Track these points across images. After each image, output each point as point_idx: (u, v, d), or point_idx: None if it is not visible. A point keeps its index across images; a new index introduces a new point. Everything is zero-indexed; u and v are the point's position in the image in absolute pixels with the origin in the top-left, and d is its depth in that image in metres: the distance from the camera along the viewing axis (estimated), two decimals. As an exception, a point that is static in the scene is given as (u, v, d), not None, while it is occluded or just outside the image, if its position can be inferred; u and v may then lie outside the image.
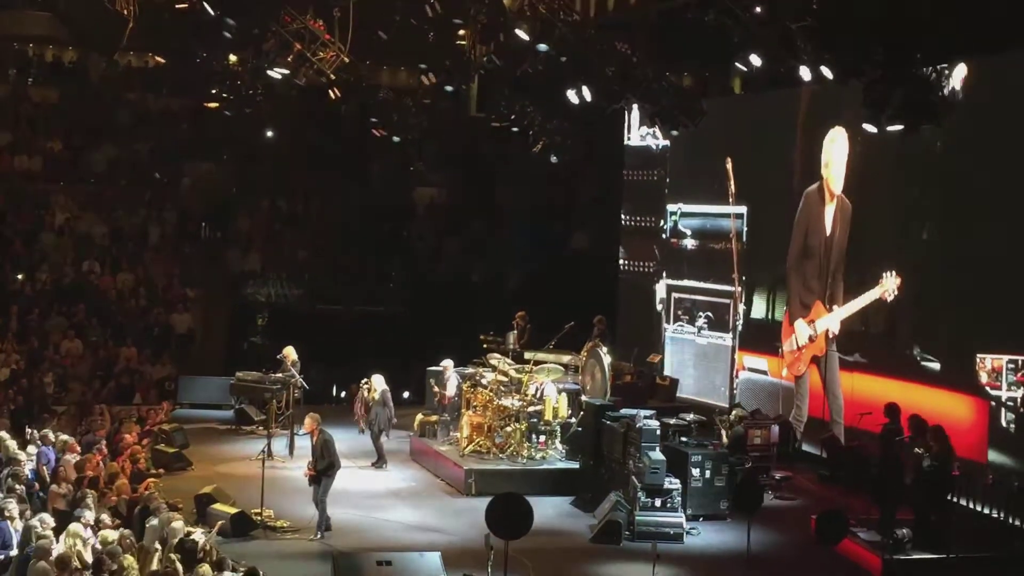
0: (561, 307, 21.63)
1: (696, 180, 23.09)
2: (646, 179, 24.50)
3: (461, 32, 18.80)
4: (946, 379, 17.36)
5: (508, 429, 18.35)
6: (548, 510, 16.38)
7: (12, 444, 16.30)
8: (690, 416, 17.97)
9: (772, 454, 18.81)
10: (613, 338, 22.42)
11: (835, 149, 19.86)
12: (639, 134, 24.37)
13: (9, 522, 13.18)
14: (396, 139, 21.62)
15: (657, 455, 15.87)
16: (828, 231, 20.05)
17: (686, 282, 23.41)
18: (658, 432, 16.19)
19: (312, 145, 30.24)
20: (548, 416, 18.47)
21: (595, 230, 28.08)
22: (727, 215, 22.16)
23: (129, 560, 12.00)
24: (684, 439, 17.01)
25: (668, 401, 19.78)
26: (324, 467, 15.41)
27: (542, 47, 17.35)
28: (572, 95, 19.05)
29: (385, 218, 29.40)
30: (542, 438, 18.44)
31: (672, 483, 15.86)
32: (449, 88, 20.56)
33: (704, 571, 14.70)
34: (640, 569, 13.99)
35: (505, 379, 18.91)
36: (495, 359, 19.65)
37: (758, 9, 15.50)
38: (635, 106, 22.53)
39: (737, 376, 21.94)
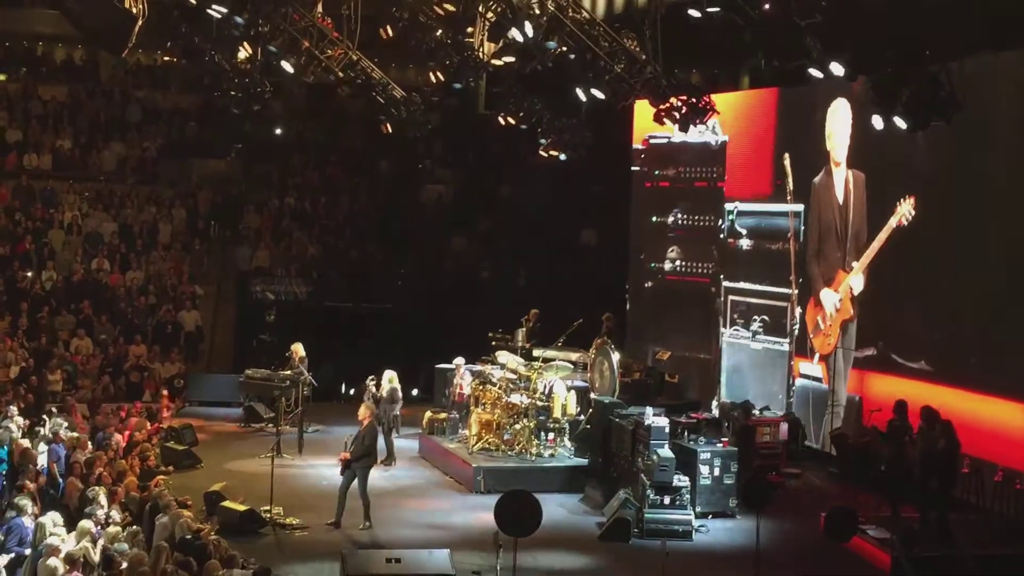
0: (570, 304, 21.64)
1: (752, 177, 22.22)
2: (704, 175, 23.40)
3: (469, 29, 18.77)
4: (1002, 387, 16.63)
5: (517, 426, 18.36)
6: (557, 508, 16.39)
7: (24, 442, 16.36)
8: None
9: (780, 452, 18.80)
10: (622, 335, 22.43)
11: (837, 119, 19.82)
12: (697, 130, 23.71)
13: (24, 518, 13.23)
14: (405, 136, 21.59)
15: (666, 452, 15.87)
16: (840, 200, 19.89)
17: (742, 284, 22.40)
18: (667, 429, 16.18)
19: (320, 142, 30.28)
20: (557, 413, 18.48)
21: (604, 227, 28.04)
22: (784, 214, 21.36)
23: (138, 554, 12.02)
24: (694, 436, 17.00)
25: (677, 399, 19.80)
26: (361, 454, 15.54)
27: (550, 44, 17.33)
28: (580, 93, 19.03)
29: (394, 215, 29.41)
30: (551, 435, 18.46)
31: (681, 480, 15.85)
32: (457, 86, 20.55)
33: (713, 569, 14.72)
34: (649, 566, 13.98)
35: (514, 376, 18.92)
36: (504, 356, 19.65)
37: (767, 6, 15.46)
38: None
39: (793, 383, 21.03)
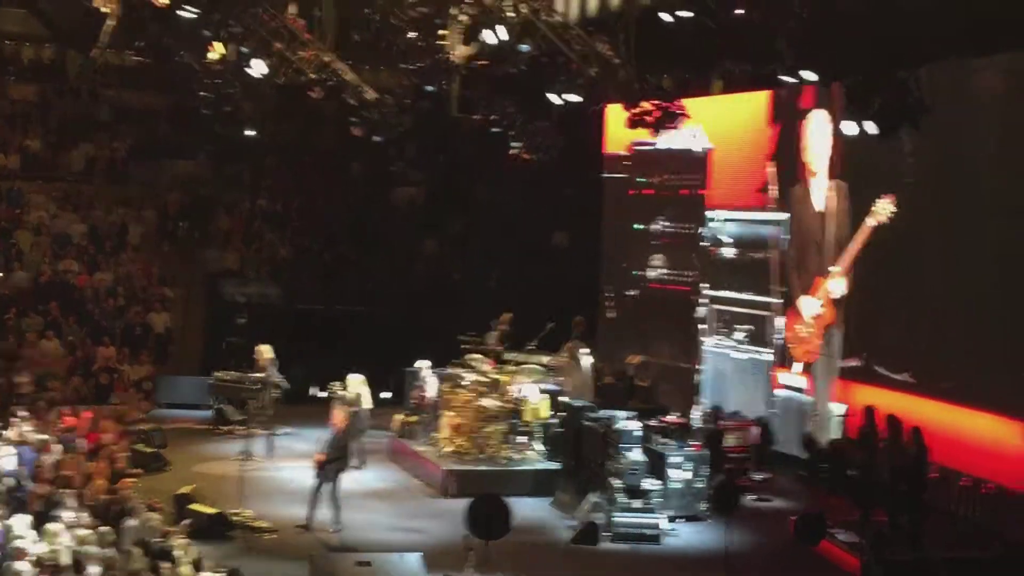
0: (542, 307, 21.64)
1: (737, 184, 22.00)
2: (687, 183, 23.21)
3: (442, 32, 18.74)
4: (997, 403, 16.29)
5: (488, 430, 18.34)
6: (527, 511, 16.34)
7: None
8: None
9: (750, 456, 18.85)
10: (594, 339, 22.42)
11: (813, 130, 19.77)
12: (683, 136, 22.80)
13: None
14: (377, 138, 21.55)
15: (636, 456, 15.89)
16: (820, 210, 19.74)
17: (725, 293, 22.17)
18: (637, 433, 16.20)
19: (292, 144, 30.18)
20: (528, 417, 18.47)
21: (576, 230, 28.05)
22: (767, 222, 21.18)
23: (110, 554, 11.95)
24: (663, 440, 17.03)
25: (648, 403, 19.80)
26: (334, 457, 15.57)
27: (523, 47, 17.33)
28: (553, 96, 19.04)
29: (366, 217, 29.34)
30: (522, 439, 18.43)
31: (651, 484, 15.87)
32: (430, 88, 20.52)
33: (683, 571, 14.74)
34: (619, 570, 13.99)
35: (485, 380, 18.89)
36: (475, 360, 19.63)
37: (741, 11, 15.51)
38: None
39: (773, 395, 20.74)
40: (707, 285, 22.55)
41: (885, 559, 14.19)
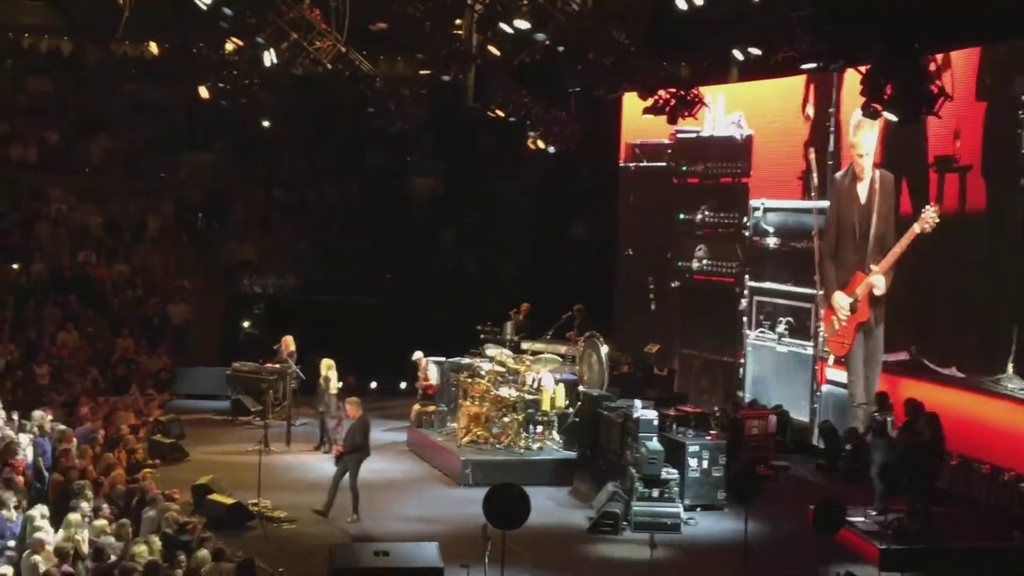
0: (558, 297, 21.63)
1: (779, 172, 21.33)
2: (729, 171, 22.48)
3: (458, 21, 18.74)
4: None
5: (505, 419, 18.35)
6: (545, 500, 16.36)
7: (17, 436, 16.28)
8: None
9: (770, 444, 18.81)
10: (607, 327, 22.35)
11: (862, 126, 19.14)
12: (724, 122, 22.44)
13: (3, 512, 13.17)
14: (393, 129, 21.56)
15: (655, 445, 15.87)
16: (863, 201, 19.25)
17: (768, 284, 21.46)
18: (655, 422, 16.18)
19: (308, 135, 30.20)
20: (545, 406, 18.46)
21: (593, 220, 28.02)
22: (809, 211, 20.53)
23: (141, 548, 11.99)
24: (682, 429, 17.00)
25: (666, 391, 19.78)
26: (352, 447, 15.72)
27: (539, 36, 17.29)
28: (569, 85, 19.01)
29: (381, 208, 29.36)
30: (539, 428, 18.45)
31: (670, 473, 15.85)
32: (446, 78, 20.51)
33: (701, 561, 14.71)
34: (637, 560, 13.97)
35: (502, 369, 18.90)
36: (492, 349, 19.64)
37: (756, -1, 15.48)
38: (720, 96, 22.03)
39: (819, 390, 20.20)
40: (750, 276, 21.93)
41: (904, 547, 14.16)
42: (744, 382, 21.70)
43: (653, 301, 24.54)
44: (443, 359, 20.48)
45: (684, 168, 23.63)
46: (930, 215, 17.86)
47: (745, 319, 21.92)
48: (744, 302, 21.96)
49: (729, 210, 22.52)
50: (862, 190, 19.49)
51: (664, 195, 24.17)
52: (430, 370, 20.21)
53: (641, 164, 24.81)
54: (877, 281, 19.03)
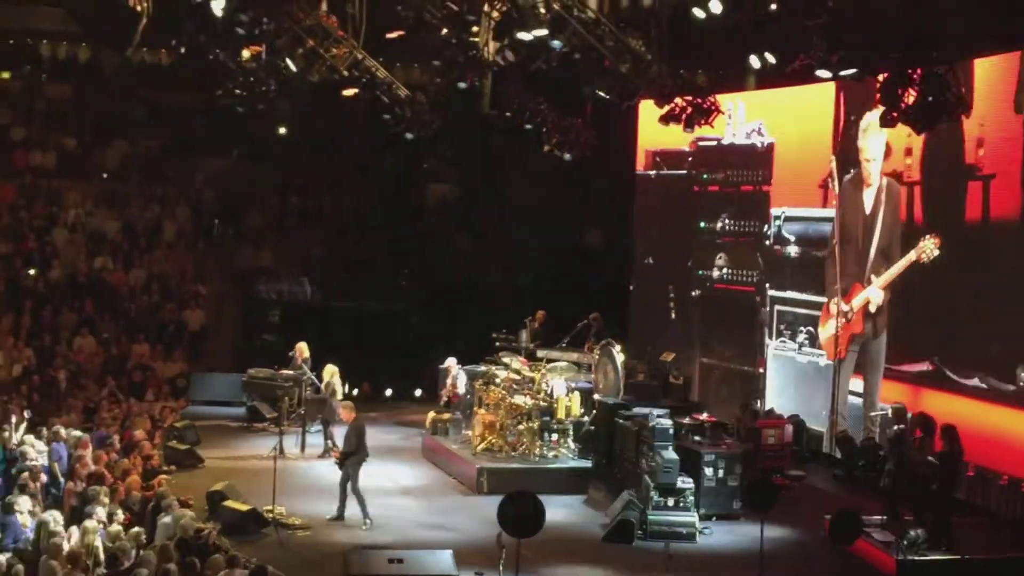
0: (573, 305, 21.60)
1: (800, 180, 21.17)
2: (750, 179, 22.31)
3: (474, 29, 18.72)
4: None
5: (520, 427, 18.33)
6: (560, 509, 16.34)
7: (31, 440, 16.33)
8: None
9: (786, 454, 18.74)
10: (625, 336, 22.32)
11: (870, 133, 19.10)
12: (744, 131, 22.32)
13: (18, 516, 13.21)
14: (409, 136, 21.57)
15: (670, 454, 15.82)
16: (868, 211, 19.21)
17: (788, 293, 21.27)
18: (671, 431, 16.14)
19: (325, 141, 30.24)
20: (560, 414, 18.44)
21: (608, 228, 27.98)
22: (829, 219, 20.35)
23: (149, 554, 12.00)
24: (697, 438, 16.95)
25: (682, 400, 19.72)
26: (348, 451, 15.81)
27: (556, 44, 17.28)
28: (585, 92, 18.98)
29: (397, 215, 29.38)
30: (554, 436, 18.41)
31: (685, 482, 15.80)
32: (462, 85, 20.52)
33: (717, 571, 14.66)
34: (652, 569, 13.93)
35: (518, 377, 18.88)
36: (507, 357, 19.63)
37: (773, 6, 15.41)
38: (741, 104, 21.96)
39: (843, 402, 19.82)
40: (771, 285, 21.74)
41: (921, 559, 14.08)
42: (764, 392, 21.50)
43: (673, 310, 24.33)
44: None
45: (705, 176, 23.49)
46: (928, 246, 17.81)
47: (766, 329, 21.75)
48: (764, 311, 21.78)
49: (750, 218, 22.38)
50: (868, 198, 19.44)
51: (684, 203, 24.05)
52: (459, 378, 20.08)
53: (662, 172, 24.68)
54: (873, 295, 19.02)
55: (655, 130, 22.04)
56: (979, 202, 17.42)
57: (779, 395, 21.13)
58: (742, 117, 22.39)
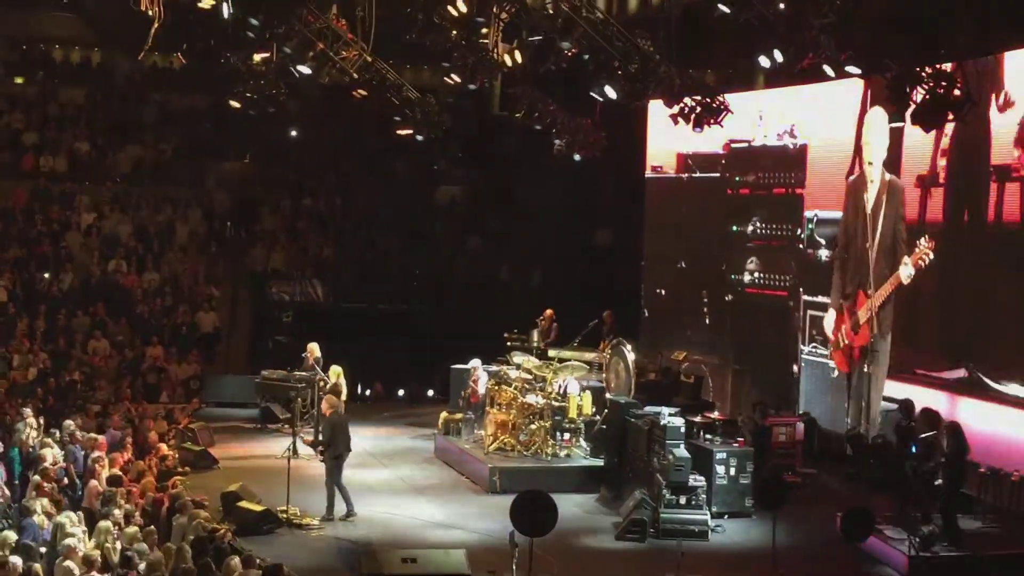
0: (584, 305, 21.65)
1: (831, 181, 20.71)
2: (783, 181, 21.89)
3: (484, 31, 18.78)
4: None
5: (533, 427, 18.38)
6: (572, 508, 16.39)
7: (47, 442, 16.43)
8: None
9: (796, 452, 18.76)
10: (636, 335, 22.35)
11: (872, 132, 19.03)
12: (775, 132, 21.97)
13: (35, 518, 13.30)
14: (419, 137, 21.66)
15: (682, 452, 15.86)
16: (869, 208, 19.03)
17: (821, 298, 20.74)
18: (683, 429, 16.18)
19: (335, 144, 30.36)
20: (572, 414, 18.48)
21: (618, 228, 28.03)
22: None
23: (156, 556, 12.08)
24: (709, 436, 16.98)
25: (693, 399, 19.75)
26: (315, 442, 16.20)
27: (565, 45, 17.33)
28: (594, 93, 19.02)
29: (409, 216, 29.47)
30: (566, 436, 18.46)
31: (697, 480, 15.84)
32: (472, 86, 20.59)
33: (729, 569, 14.68)
34: (665, 567, 13.98)
35: (530, 377, 18.94)
36: (519, 357, 19.68)
37: (781, 6, 15.44)
38: (770, 105, 21.74)
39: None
40: (804, 290, 21.30)
41: (933, 555, 14.10)
42: (798, 398, 21.13)
43: (707, 315, 23.93)
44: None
45: (737, 179, 23.12)
46: (923, 250, 17.74)
47: (799, 334, 21.38)
48: (797, 316, 21.37)
49: (782, 221, 21.94)
50: (870, 196, 19.30)
51: (716, 206, 23.61)
52: (480, 380, 20.04)
53: (694, 175, 24.23)
54: (872, 308, 18.91)
55: (659, 131, 22.11)
56: (1017, 203, 16.95)
57: (811, 401, 20.77)
58: (774, 119, 21.99)
